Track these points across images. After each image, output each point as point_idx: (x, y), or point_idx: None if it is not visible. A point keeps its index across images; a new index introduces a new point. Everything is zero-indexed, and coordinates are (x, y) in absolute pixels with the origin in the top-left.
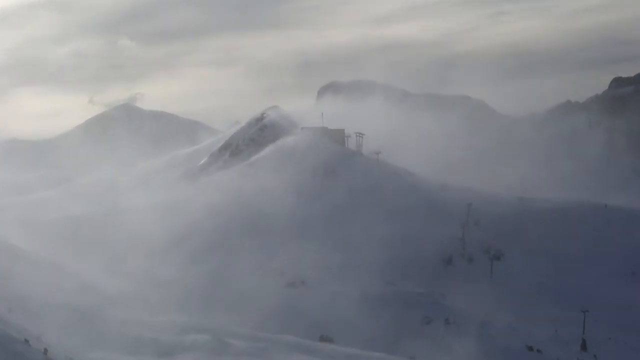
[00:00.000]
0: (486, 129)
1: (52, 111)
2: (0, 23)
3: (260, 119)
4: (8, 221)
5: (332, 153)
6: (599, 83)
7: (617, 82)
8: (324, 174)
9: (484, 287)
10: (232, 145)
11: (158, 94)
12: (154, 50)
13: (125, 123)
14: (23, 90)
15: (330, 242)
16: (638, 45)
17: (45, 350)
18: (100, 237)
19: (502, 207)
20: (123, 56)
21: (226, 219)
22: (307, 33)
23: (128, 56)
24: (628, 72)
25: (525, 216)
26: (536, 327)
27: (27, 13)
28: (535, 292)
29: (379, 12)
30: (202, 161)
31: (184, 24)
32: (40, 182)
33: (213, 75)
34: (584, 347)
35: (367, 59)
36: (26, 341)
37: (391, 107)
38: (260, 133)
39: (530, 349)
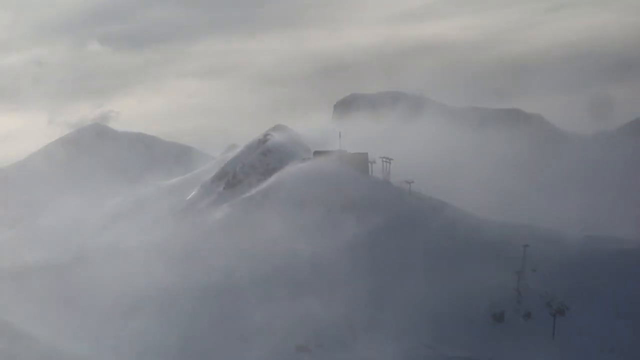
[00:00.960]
0: (545, 150)
1: (1, 134)
2: None
3: (262, 141)
4: None
5: (353, 183)
6: None
7: None
8: (342, 209)
9: (544, 349)
10: (227, 174)
11: (136, 111)
12: (131, 57)
13: (95, 148)
14: None
15: (352, 295)
16: None
17: None
18: (64, 290)
19: (566, 248)
20: (92, 65)
21: (221, 268)
22: (320, 34)
23: (99, 65)
24: None
25: (594, 260)
26: None
27: None
28: (606, 354)
29: (409, 7)
30: (191, 194)
31: (168, 24)
32: None
33: (204, 88)
34: None
35: (395, 66)
36: None
37: (426, 125)
38: (262, 159)
39: None
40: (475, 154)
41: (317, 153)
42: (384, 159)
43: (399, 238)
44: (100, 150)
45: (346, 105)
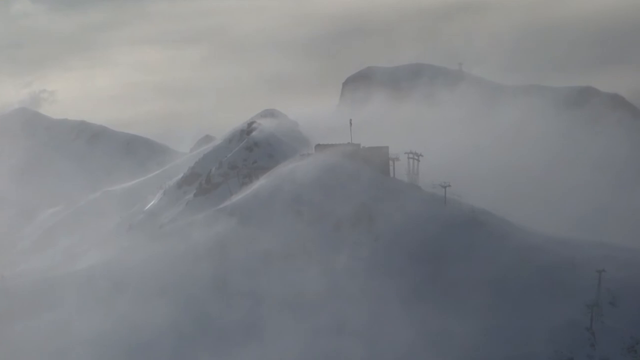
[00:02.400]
0: (625, 139)
1: None
2: None
3: (247, 131)
4: None
5: (368, 188)
6: None
7: None
8: (353, 223)
9: None
10: (199, 176)
11: (76, 92)
12: (70, 19)
13: (22, 138)
14: None
15: (367, 337)
16: None
17: None
18: None
19: None
20: (19, 29)
21: (185, 309)
22: None
23: (27, 29)
24: None
25: None
26: None
27: None
28: None
29: None
30: (150, 204)
31: None
32: None
33: (167, 61)
34: None
35: (425, 30)
36: None
37: (465, 108)
38: (246, 156)
39: None
40: (531, 148)
41: (320, 147)
42: (411, 155)
43: (431, 261)
44: (29, 143)
45: (359, 83)
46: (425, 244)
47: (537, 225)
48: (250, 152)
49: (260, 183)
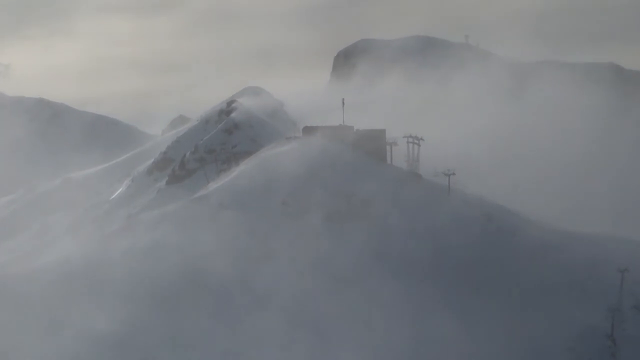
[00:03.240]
0: None
1: None
2: None
3: (225, 111)
4: None
5: (362, 176)
6: None
7: None
8: (345, 216)
9: None
10: (172, 162)
11: (35, 65)
12: None
13: None
14: None
15: (386, 347)
16: None
17: None
18: None
19: None
20: None
21: (152, 309)
22: None
23: None
24: None
25: None
26: None
27: None
28: None
29: None
30: (117, 192)
31: None
32: None
33: (136, 30)
34: None
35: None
36: None
37: (475, 87)
38: (225, 139)
39: None
40: (547, 131)
41: (309, 130)
42: (410, 139)
43: (436, 263)
44: None
45: (353, 57)
46: (426, 239)
47: (562, 220)
48: (229, 135)
49: (241, 170)
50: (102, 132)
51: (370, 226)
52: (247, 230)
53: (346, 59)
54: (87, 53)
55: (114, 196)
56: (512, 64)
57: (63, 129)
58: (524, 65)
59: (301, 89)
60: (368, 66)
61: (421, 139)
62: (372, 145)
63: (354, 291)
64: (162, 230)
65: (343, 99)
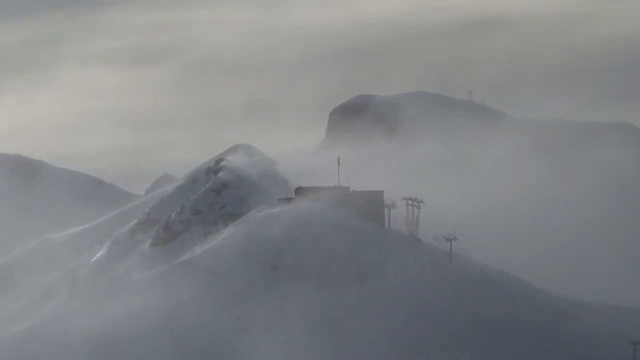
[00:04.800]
0: None
1: None
2: None
3: (214, 170)
4: None
5: (359, 240)
6: None
7: None
8: (340, 283)
9: None
10: (156, 223)
11: (11, 118)
12: (8, 33)
13: None
14: None
15: None
16: None
17: None
18: None
19: None
20: None
21: None
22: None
23: None
24: None
25: None
26: None
27: None
28: None
29: None
30: (97, 255)
31: None
32: None
33: (120, 83)
34: None
35: (423, 55)
36: None
37: (483, 148)
38: (213, 199)
39: None
40: (558, 193)
41: (302, 191)
42: (410, 202)
43: (437, 334)
44: None
45: (349, 114)
46: (427, 308)
47: (573, 289)
48: (217, 195)
49: (230, 232)
50: (82, 191)
51: (366, 294)
52: (235, 298)
53: (342, 116)
54: (69, 107)
55: (94, 259)
56: (527, 123)
57: (41, 186)
58: (542, 125)
59: (294, 147)
60: (366, 123)
61: (421, 201)
62: (370, 208)
63: None
64: (145, 296)
65: (339, 158)
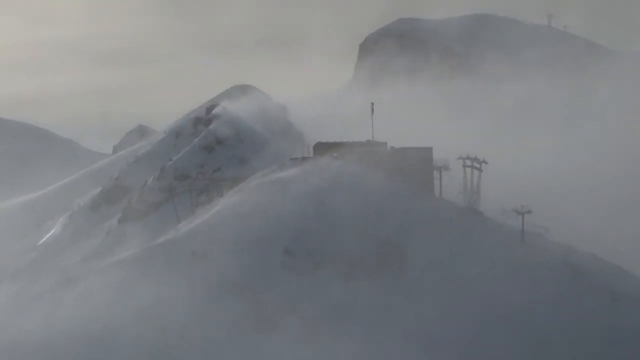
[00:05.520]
0: None
1: None
2: None
3: (203, 121)
4: None
5: (400, 214)
6: None
7: None
8: (374, 272)
9: None
10: (127, 191)
11: None
12: None
13: None
14: None
15: None
16: None
17: None
18: None
19: None
20: None
21: None
22: None
23: None
24: None
25: None
26: None
27: None
28: None
29: None
30: (49, 234)
31: None
32: None
33: (84, 7)
34: None
35: None
36: None
37: (560, 87)
38: (203, 159)
39: None
40: None
41: (323, 147)
42: (468, 162)
43: (505, 337)
44: None
45: (386, 44)
46: (493, 303)
47: None
48: (209, 154)
49: (226, 204)
50: (29, 148)
51: (409, 287)
52: (234, 291)
53: (377, 47)
54: (12, 37)
55: (44, 239)
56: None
57: None
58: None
59: (313, 89)
60: (408, 57)
61: (483, 161)
62: (414, 171)
63: None
64: (113, 289)
65: (372, 104)
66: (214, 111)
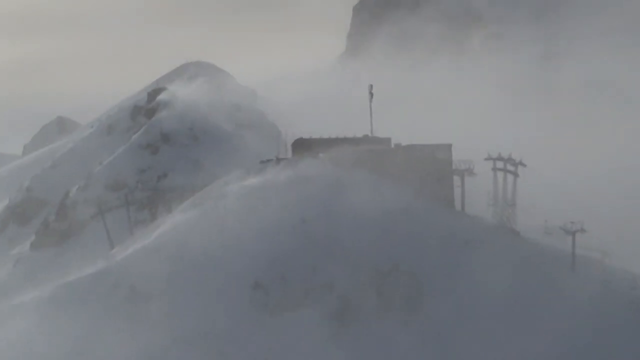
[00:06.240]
0: None
1: None
2: None
3: (145, 110)
4: None
5: (408, 234)
6: None
7: None
8: (379, 311)
9: None
10: (43, 205)
11: None
12: None
13: None
14: None
15: None
16: None
17: None
18: None
19: None
20: None
21: None
22: None
23: None
24: None
25: None
26: None
27: None
28: None
29: None
30: None
31: None
32: None
33: None
34: None
35: None
36: None
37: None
38: (145, 162)
39: None
40: None
41: (304, 145)
42: (500, 164)
43: None
44: None
45: (384, 10)
46: (533, 351)
47: None
48: (152, 156)
49: (175, 223)
50: None
51: (422, 330)
52: (188, 341)
53: (376, 9)
54: None
55: None
56: None
57: None
58: None
59: (292, 66)
60: (417, 22)
61: (520, 163)
62: (428, 176)
63: None
64: (22, 340)
65: (371, 87)
66: (159, 97)
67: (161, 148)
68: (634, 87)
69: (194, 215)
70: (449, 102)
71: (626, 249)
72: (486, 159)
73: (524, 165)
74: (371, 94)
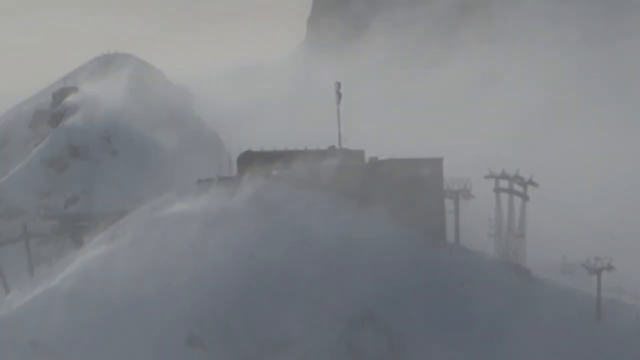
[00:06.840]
0: None
1: None
2: None
3: (50, 117)
4: None
5: (387, 276)
6: None
7: None
8: None
9: None
10: None
11: None
12: None
13: None
14: None
15: None
16: None
17: None
18: None
19: None
20: None
21: None
22: None
23: None
24: None
25: None
26: None
27: None
28: None
29: None
30: None
31: None
32: None
33: None
34: None
35: None
36: None
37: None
38: (47, 183)
39: None
40: None
41: (252, 161)
42: (506, 183)
43: None
44: None
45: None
46: None
47: None
48: (59, 174)
49: (87, 261)
50: None
51: None
52: None
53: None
54: None
55: None
56: None
57: None
58: None
59: (238, 60)
60: (401, 8)
61: (530, 182)
62: (413, 198)
63: None
64: None
65: (339, 84)
66: (67, 99)
67: (70, 164)
68: None
69: (111, 250)
70: (438, 103)
71: None
72: (487, 177)
73: (535, 184)
74: (339, 94)
